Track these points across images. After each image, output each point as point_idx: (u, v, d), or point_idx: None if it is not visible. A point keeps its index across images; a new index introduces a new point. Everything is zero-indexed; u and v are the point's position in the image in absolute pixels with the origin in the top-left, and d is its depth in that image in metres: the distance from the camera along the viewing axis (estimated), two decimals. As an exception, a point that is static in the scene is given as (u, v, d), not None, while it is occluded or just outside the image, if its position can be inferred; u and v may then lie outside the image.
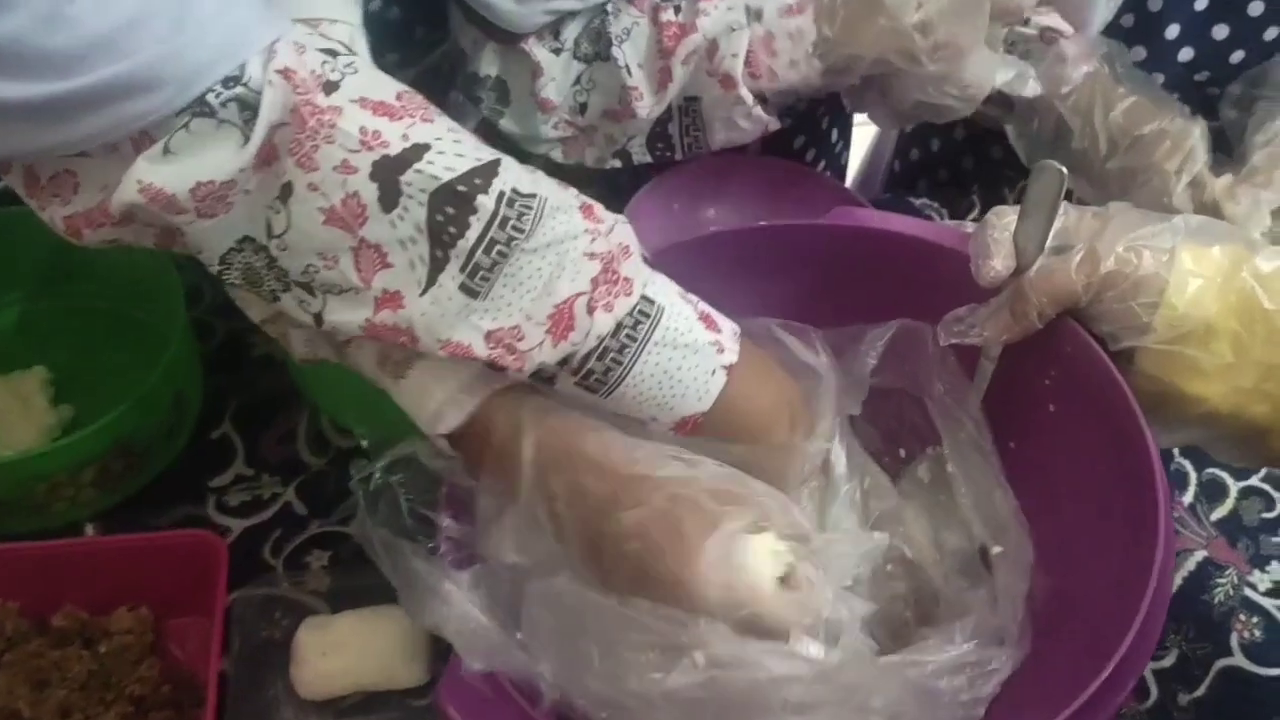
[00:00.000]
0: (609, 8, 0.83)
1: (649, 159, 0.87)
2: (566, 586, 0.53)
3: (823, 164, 1.13)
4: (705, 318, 0.56)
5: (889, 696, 0.50)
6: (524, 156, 0.70)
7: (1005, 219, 0.61)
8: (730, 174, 0.97)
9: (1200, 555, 0.78)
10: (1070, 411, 0.63)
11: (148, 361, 0.75)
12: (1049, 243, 0.61)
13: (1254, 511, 0.81)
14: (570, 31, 0.84)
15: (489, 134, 0.87)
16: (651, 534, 0.51)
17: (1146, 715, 0.71)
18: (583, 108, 0.84)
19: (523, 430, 0.54)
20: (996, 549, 0.62)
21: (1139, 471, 0.57)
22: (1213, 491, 0.82)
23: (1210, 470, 0.84)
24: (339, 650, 0.69)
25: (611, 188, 0.96)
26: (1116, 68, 0.85)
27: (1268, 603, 0.77)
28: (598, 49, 0.83)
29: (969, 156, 1.13)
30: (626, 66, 0.81)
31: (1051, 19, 0.88)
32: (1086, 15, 0.90)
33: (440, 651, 0.69)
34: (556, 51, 0.84)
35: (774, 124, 0.83)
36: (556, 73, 0.84)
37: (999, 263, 0.60)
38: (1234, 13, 0.91)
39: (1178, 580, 0.77)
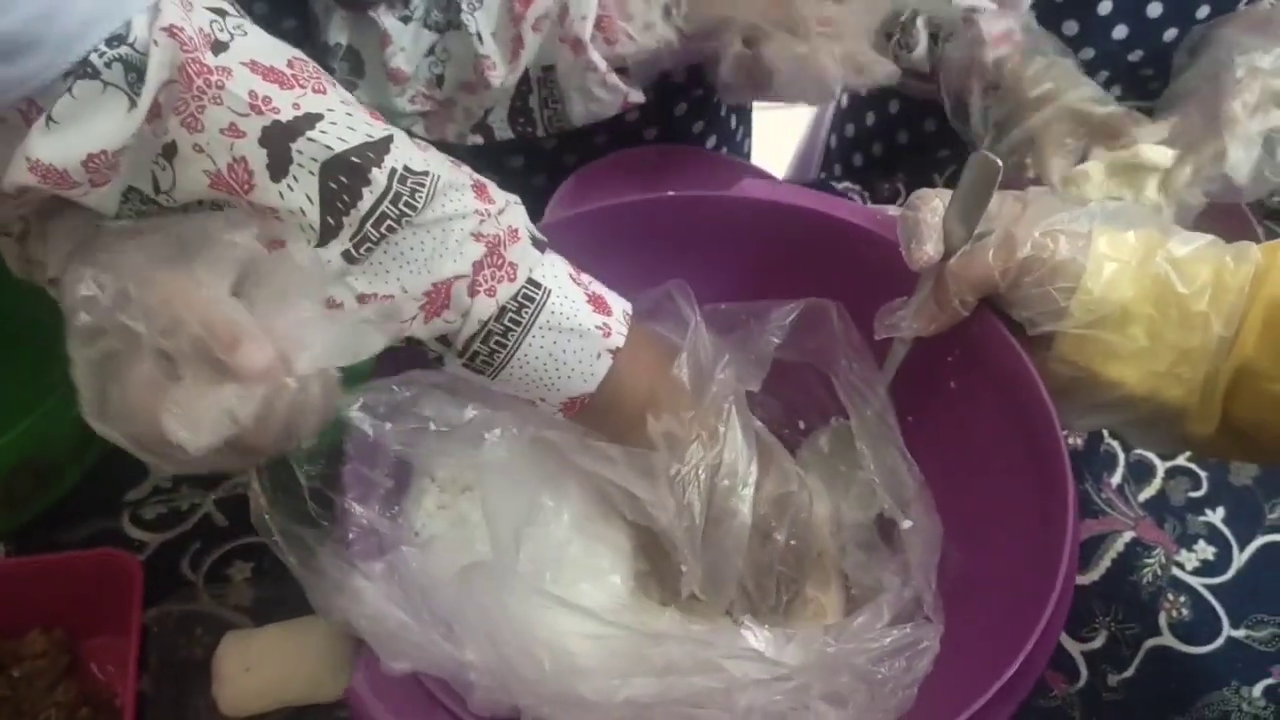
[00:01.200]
0: None
1: (510, 134, 0.85)
2: (505, 582, 0.52)
3: (724, 151, 1.12)
4: (595, 300, 0.57)
5: (837, 687, 0.51)
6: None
7: (934, 203, 0.62)
8: (656, 164, 0.97)
9: (1128, 536, 0.80)
10: (972, 388, 0.65)
11: (59, 374, 0.73)
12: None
13: (1181, 491, 0.83)
14: (420, 1, 0.82)
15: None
16: None
17: (1077, 697, 0.73)
18: (439, 80, 0.82)
19: None
20: (906, 522, 0.63)
21: (1044, 447, 0.58)
22: (1140, 472, 0.84)
23: (1138, 451, 0.85)
24: (262, 665, 0.68)
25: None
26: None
27: (1195, 581, 0.79)
28: (449, 16, 0.81)
29: (903, 131, 1.14)
30: (478, 34, 0.79)
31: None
32: None
33: (368, 661, 0.69)
34: (405, 19, 0.81)
35: (635, 95, 0.81)
36: (406, 42, 0.81)
37: (930, 248, 0.61)
38: None
39: (1106, 562, 0.79)
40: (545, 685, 0.48)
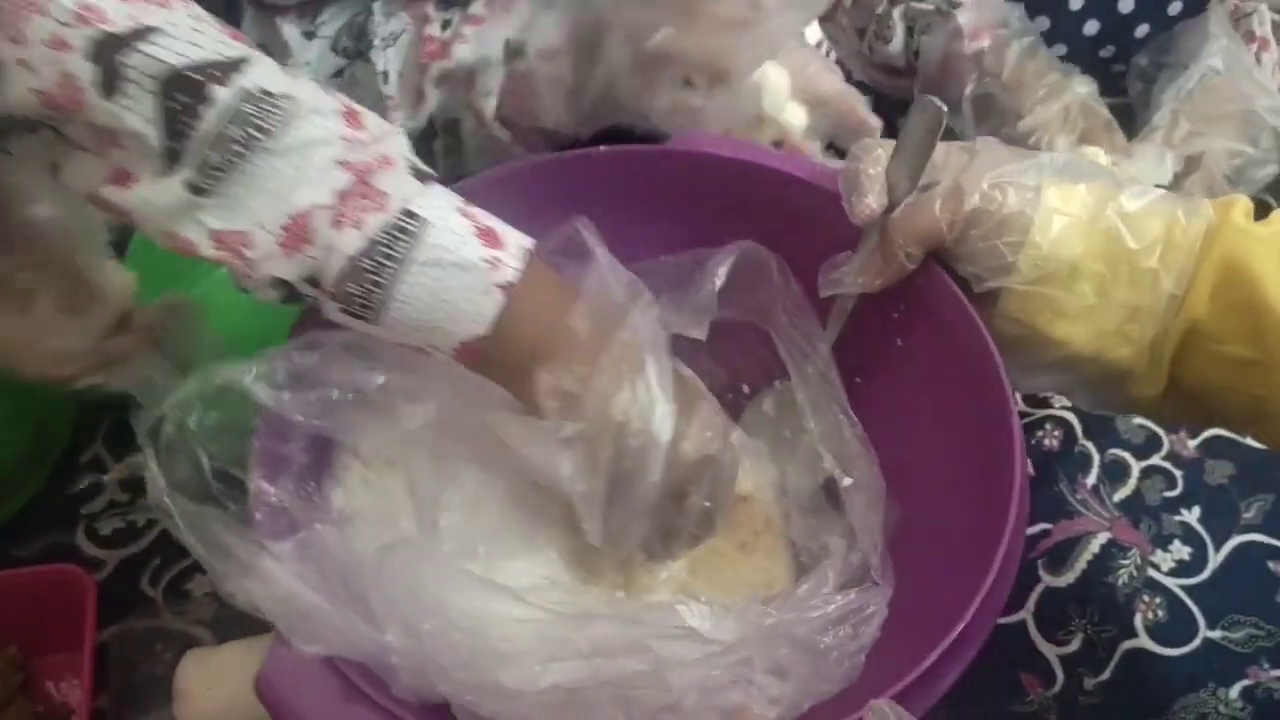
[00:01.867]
0: (378, 6, 0.80)
1: None
2: (425, 560, 0.50)
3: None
4: (485, 233, 0.52)
5: (778, 659, 0.49)
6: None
7: (875, 153, 0.60)
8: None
9: (1104, 537, 0.79)
10: (919, 345, 0.63)
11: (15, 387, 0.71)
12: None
13: (1156, 491, 0.82)
14: (330, 18, 0.81)
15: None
16: None
17: (1054, 700, 0.71)
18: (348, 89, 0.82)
19: None
20: (846, 480, 0.61)
21: (992, 402, 0.56)
22: (1115, 472, 0.83)
23: (1113, 451, 0.84)
24: (225, 682, 0.66)
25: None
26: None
27: (1170, 582, 0.77)
28: (359, 46, 0.80)
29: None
30: (384, 74, 0.79)
31: None
32: None
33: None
34: (309, 35, 0.81)
35: (532, 152, 0.81)
36: (311, 58, 0.81)
37: (873, 200, 0.59)
38: None
39: (1081, 564, 0.78)
40: (464, 672, 0.46)
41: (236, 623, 0.69)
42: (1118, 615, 0.76)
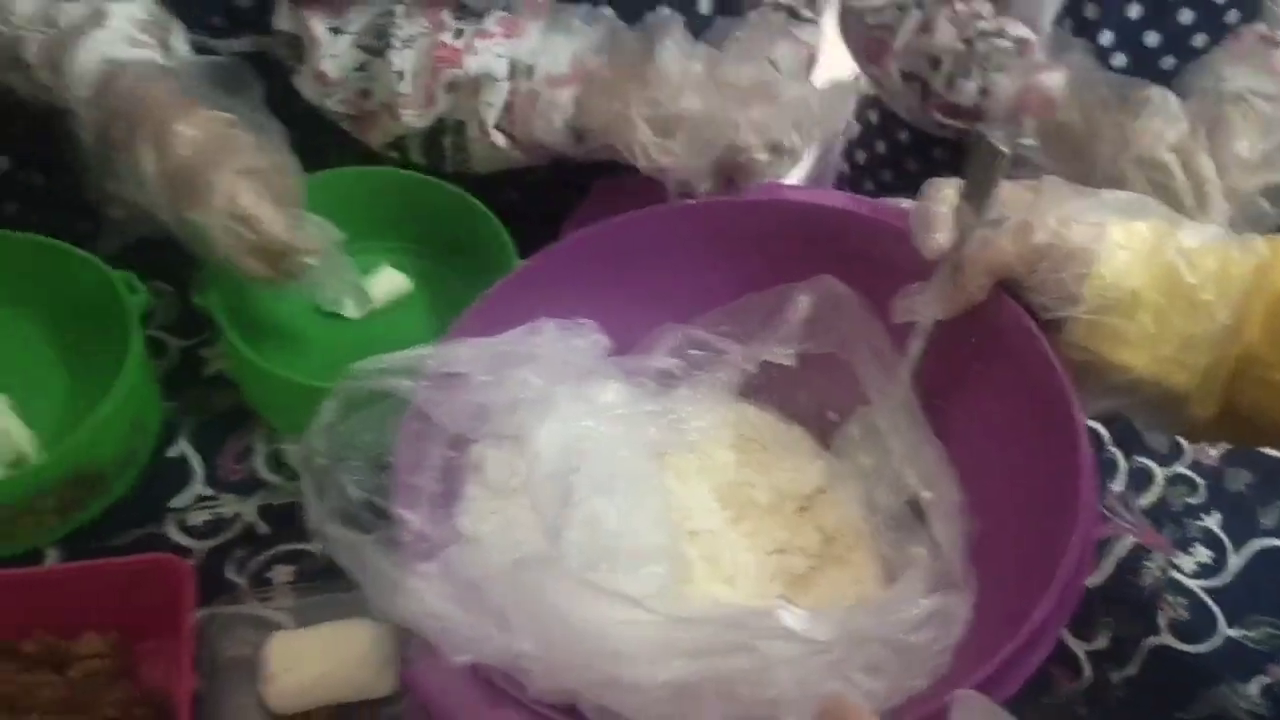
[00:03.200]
0: (400, 9, 0.85)
1: (422, 161, 0.90)
2: (551, 573, 0.55)
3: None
4: None
5: (870, 656, 0.54)
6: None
7: (945, 192, 0.64)
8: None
9: (1130, 541, 0.83)
10: (992, 368, 0.68)
11: (104, 386, 0.76)
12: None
13: (1179, 497, 0.87)
14: (356, 15, 0.86)
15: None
16: None
17: (1082, 694, 0.76)
18: (366, 94, 0.87)
19: None
20: (927, 494, 0.66)
21: (1061, 420, 0.60)
22: (1141, 480, 0.88)
23: (1139, 459, 0.89)
24: (308, 664, 0.71)
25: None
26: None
27: (1192, 584, 0.82)
28: (379, 45, 0.85)
29: (913, 159, 1.17)
30: (400, 73, 0.84)
31: (1017, 27, 0.92)
32: (1037, 17, 0.94)
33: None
34: (336, 30, 0.86)
35: (537, 163, 0.86)
36: (338, 50, 0.87)
37: (942, 236, 0.64)
38: (1164, 20, 0.96)
39: (1109, 566, 0.82)
40: (590, 671, 0.51)
41: (315, 610, 0.75)
42: (1143, 614, 0.80)
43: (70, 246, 0.84)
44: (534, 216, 1.04)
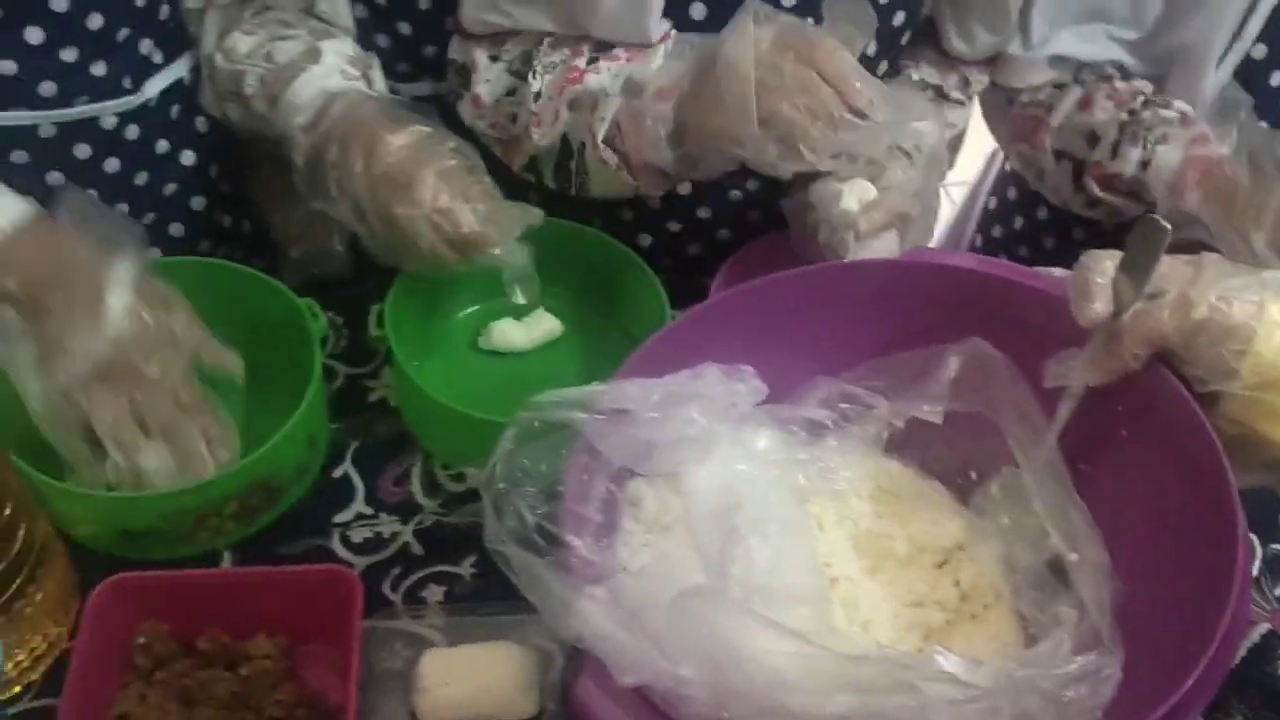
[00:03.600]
0: (548, 41, 0.92)
1: (553, 185, 0.95)
2: (719, 605, 0.58)
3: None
4: None
5: (1026, 707, 0.55)
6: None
7: (1104, 264, 0.66)
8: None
9: (1264, 627, 0.82)
10: (1143, 436, 0.69)
11: (284, 404, 0.82)
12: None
13: (1317, 585, 0.86)
14: (512, 46, 0.94)
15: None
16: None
17: (1213, 781, 0.76)
18: (513, 118, 0.93)
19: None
20: (1073, 556, 0.67)
21: (1215, 492, 0.61)
22: (1277, 567, 0.88)
23: (1275, 546, 0.88)
24: (459, 680, 0.74)
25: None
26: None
27: (1327, 675, 0.82)
28: (524, 70, 0.92)
29: (1050, 237, 1.17)
30: (536, 94, 0.90)
31: (1179, 103, 0.92)
32: (1199, 90, 0.95)
33: (548, 685, 0.76)
34: (494, 59, 0.94)
35: (649, 191, 0.91)
36: (492, 76, 0.94)
37: (1100, 305, 0.65)
38: None
39: (1242, 651, 0.82)
40: (757, 699, 0.54)
41: (463, 630, 0.79)
42: (1276, 703, 0.80)
43: (263, 274, 0.90)
44: (675, 266, 1.09)
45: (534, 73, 0.91)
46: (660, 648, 0.57)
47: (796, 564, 0.66)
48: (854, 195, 0.81)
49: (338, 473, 0.89)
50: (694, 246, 1.09)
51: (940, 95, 1.00)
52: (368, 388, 0.96)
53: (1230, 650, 0.58)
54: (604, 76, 0.88)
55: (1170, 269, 0.66)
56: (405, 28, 1.00)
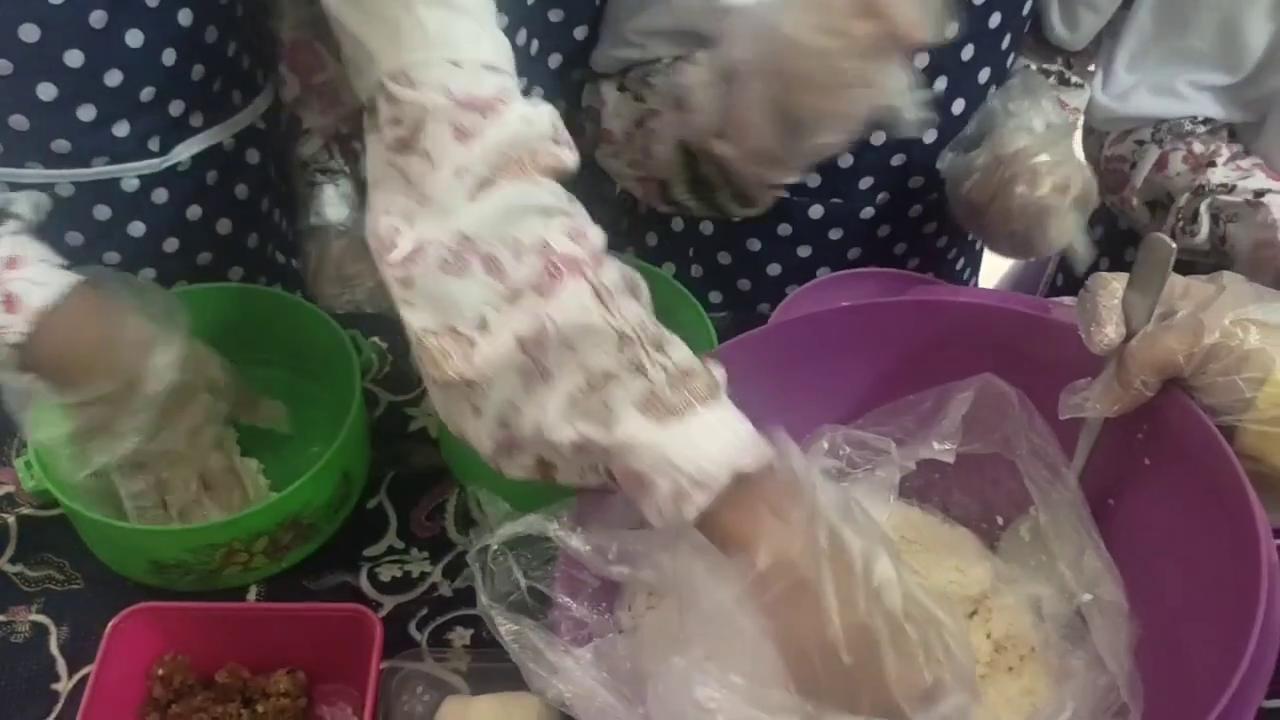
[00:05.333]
0: (667, 59, 0.88)
1: (694, 206, 0.92)
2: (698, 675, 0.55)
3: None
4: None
5: None
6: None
7: (1111, 286, 0.61)
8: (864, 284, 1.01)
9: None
10: (1166, 465, 0.64)
11: (322, 432, 0.82)
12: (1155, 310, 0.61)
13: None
14: (636, 72, 0.90)
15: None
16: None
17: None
18: (647, 151, 0.90)
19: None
20: (1086, 596, 0.63)
21: (1239, 520, 0.56)
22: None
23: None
24: (479, 731, 0.74)
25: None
26: None
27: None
28: (643, 92, 0.89)
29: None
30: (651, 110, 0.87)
31: (1253, 176, 0.89)
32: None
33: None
34: (621, 89, 0.91)
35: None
36: (623, 110, 0.91)
37: (1111, 330, 0.60)
38: None
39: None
40: None
41: (488, 676, 0.77)
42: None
43: (307, 303, 0.90)
44: (725, 302, 1.07)
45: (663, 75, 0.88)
46: (645, 712, 0.55)
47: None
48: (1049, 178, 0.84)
49: (371, 504, 0.88)
50: (743, 281, 1.06)
51: (1061, 80, 0.98)
52: (409, 416, 0.95)
53: (1258, 680, 0.52)
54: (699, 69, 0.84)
55: (1186, 289, 0.61)
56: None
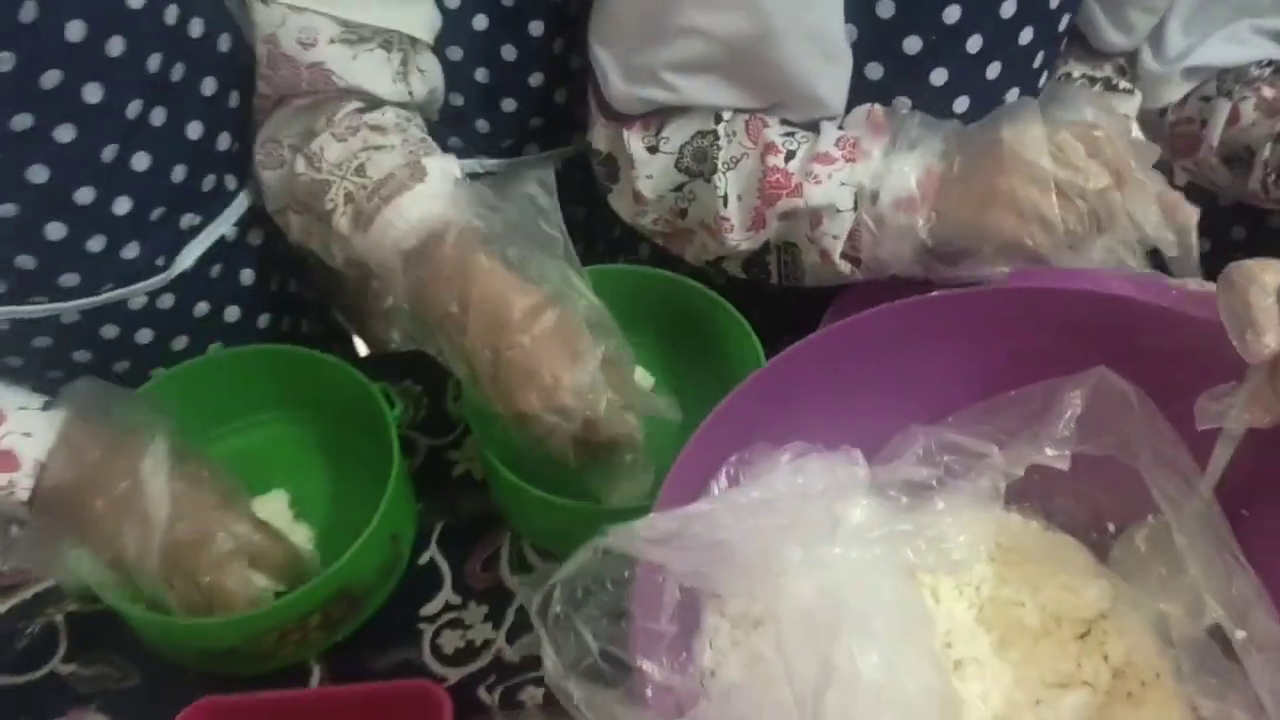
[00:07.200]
0: (721, 129, 0.81)
1: (742, 275, 0.86)
2: None
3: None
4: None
5: None
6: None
7: (1263, 278, 0.54)
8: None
9: None
10: None
11: (369, 486, 0.78)
12: None
13: None
14: (673, 133, 0.83)
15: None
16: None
17: None
18: (683, 213, 0.84)
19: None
20: (1240, 634, 0.57)
21: None
22: None
23: None
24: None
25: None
26: None
27: None
28: (701, 169, 0.82)
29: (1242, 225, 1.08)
30: (725, 196, 0.80)
31: None
32: None
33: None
34: (653, 150, 0.83)
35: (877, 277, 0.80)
36: (654, 171, 0.84)
37: (1272, 338, 0.53)
38: None
39: None
40: None
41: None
42: None
43: (334, 359, 0.86)
44: (767, 312, 1.02)
45: (719, 173, 0.81)
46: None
47: (914, 662, 0.57)
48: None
49: (424, 559, 0.84)
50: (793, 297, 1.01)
51: (1109, 87, 0.91)
52: (450, 461, 0.90)
53: None
54: (827, 188, 0.76)
55: None
56: (510, 104, 0.96)
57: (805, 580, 0.58)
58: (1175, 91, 0.92)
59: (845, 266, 0.77)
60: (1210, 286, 0.66)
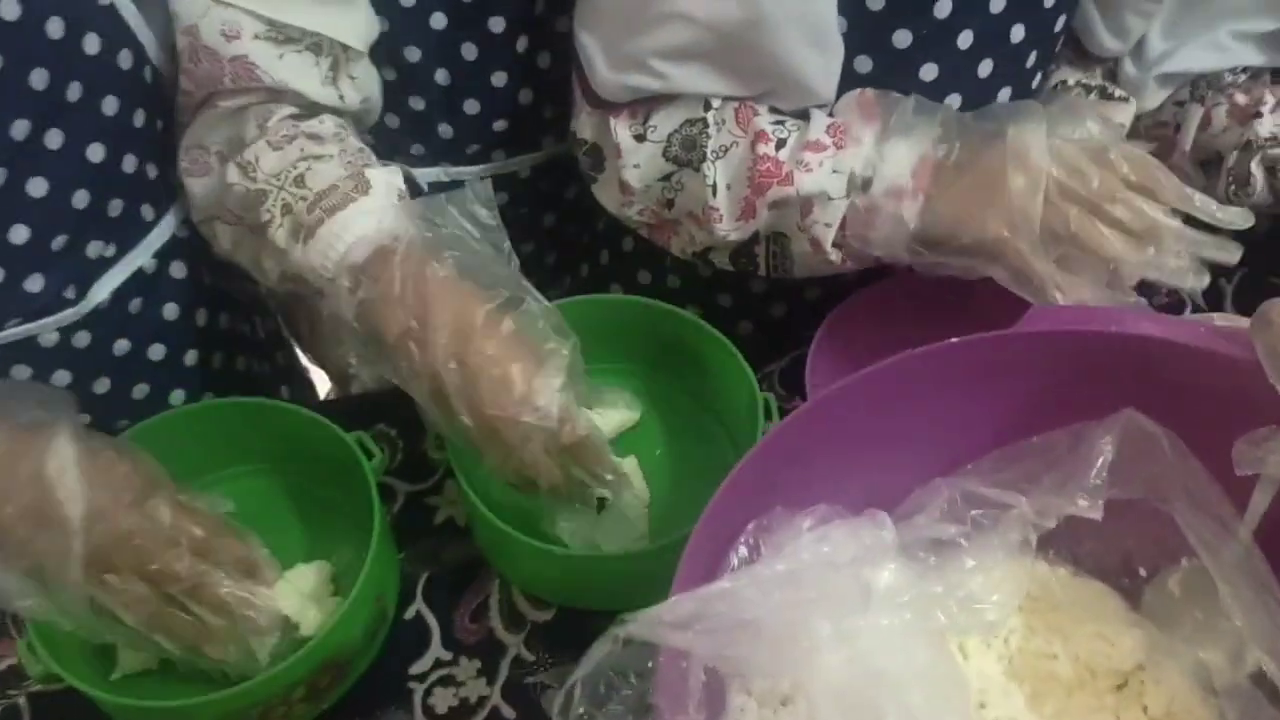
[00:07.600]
0: (710, 117, 0.78)
1: (731, 268, 0.83)
2: None
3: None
4: None
5: None
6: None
7: None
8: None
9: None
10: None
11: (344, 546, 0.76)
12: None
13: None
14: (661, 121, 0.80)
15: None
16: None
17: None
18: (670, 203, 0.81)
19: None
20: None
21: None
22: None
23: None
24: None
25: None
26: None
27: None
28: (690, 158, 0.79)
29: None
30: (714, 186, 0.77)
31: None
32: None
33: None
34: (640, 138, 0.80)
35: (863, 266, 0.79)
36: (641, 160, 0.80)
37: None
38: None
39: None
40: None
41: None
42: None
43: (306, 410, 0.80)
44: (758, 328, 0.99)
45: (708, 162, 0.78)
46: None
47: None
48: None
49: (409, 613, 0.79)
50: (778, 307, 0.98)
51: (1104, 95, 0.89)
52: (431, 506, 0.86)
53: None
54: (819, 175, 0.74)
55: None
56: (473, 105, 0.91)
57: (835, 654, 0.55)
58: (1153, 99, 0.91)
59: (836, 255, 0.76)
60: (1239, 321, 0.63)
